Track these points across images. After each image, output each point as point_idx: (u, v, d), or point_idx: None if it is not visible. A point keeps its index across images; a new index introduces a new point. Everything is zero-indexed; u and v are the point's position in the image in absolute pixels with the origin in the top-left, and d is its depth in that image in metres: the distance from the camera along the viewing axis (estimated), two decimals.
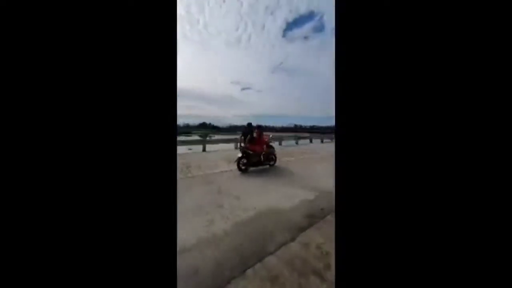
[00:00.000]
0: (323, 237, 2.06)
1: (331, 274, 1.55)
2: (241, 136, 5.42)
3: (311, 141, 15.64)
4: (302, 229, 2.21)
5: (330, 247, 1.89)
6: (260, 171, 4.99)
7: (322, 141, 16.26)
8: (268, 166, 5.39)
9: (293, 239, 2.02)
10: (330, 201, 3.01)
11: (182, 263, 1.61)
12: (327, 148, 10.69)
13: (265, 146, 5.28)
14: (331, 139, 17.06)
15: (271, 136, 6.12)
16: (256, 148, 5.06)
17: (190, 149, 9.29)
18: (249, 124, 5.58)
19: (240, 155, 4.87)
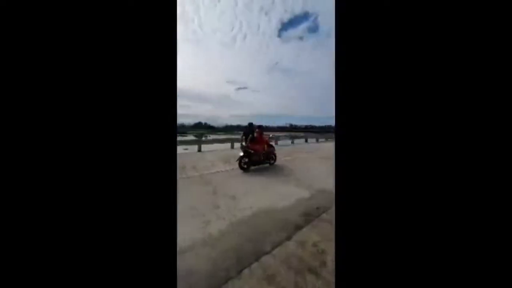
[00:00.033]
0: (319, 235, 2.09)
1: (326, 271, 1.57)
2: (242, 136, 5.61)
3: (306, 141, 15.76)
4: (299, 228, 2.23)
5: (325, 245, 1.91)
6: (257, 170, 5.01)
7: (317, 140, 16.43)
8: (268, 164, 5.53)
9: (289, 238, 2.03)
10: (325, 200, 3.04)
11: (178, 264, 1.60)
12: (322, 148, 10.79)
13: (265, 145, 5.45)
14: (326, 138, 17.34)
15: (271, 136, 6.29)
16: (257, 147, 5.21)
17: (186, 149, 9.22)
18: (250, 124, 5.75)
19: (241, 154, 4.99)
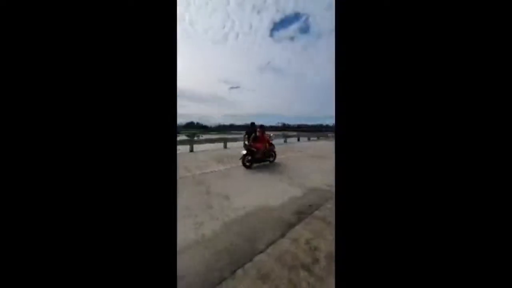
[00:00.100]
0: (312, 232, 2.12)
1: (319, 268, 1.60)
2: (245, 135, 6.00)
3: (298, 140, 15.92)
4: (292, 226, 2.26)
5: (318, 242, 1.95)
6: (251, 169, 5.04)
7: (309, 139, 16.65)
8: (268, 162, 5.80)
9: (283, 236, 2.06)
10: (317, 198, 3.10)
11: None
12: (314, 147, 10.95)
13: (267, 143, 5.67)
14: (317, 137, 17.65)
15: (271, 135, 6.62)
16: (259, 145, 5.45)
17: (178, 149, 9.08)
18: (252, 124, 6.11)
19: (244, 152, 5.21)
